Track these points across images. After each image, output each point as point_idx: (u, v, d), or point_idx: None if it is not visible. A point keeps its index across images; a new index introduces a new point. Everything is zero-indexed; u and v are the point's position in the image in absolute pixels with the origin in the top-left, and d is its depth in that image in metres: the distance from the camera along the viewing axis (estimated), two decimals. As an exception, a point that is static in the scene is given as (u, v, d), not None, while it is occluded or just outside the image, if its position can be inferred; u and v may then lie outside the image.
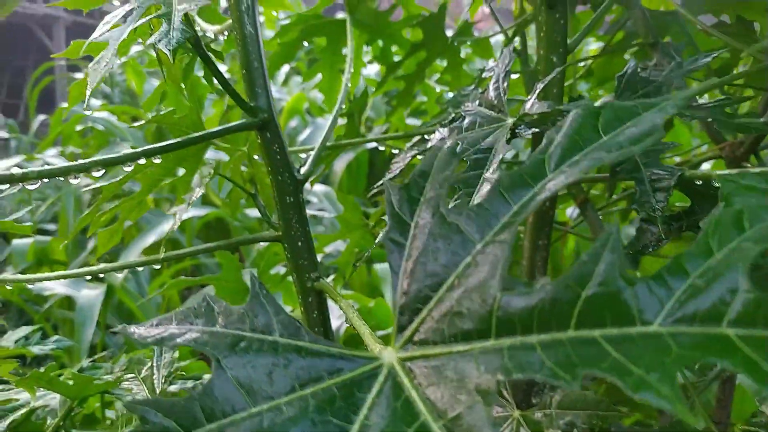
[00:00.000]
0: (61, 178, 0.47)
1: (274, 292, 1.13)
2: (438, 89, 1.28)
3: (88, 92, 0.41)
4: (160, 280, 1.83)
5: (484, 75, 0.69)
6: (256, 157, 0.69)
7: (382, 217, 1.03)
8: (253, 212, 2.09)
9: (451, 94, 1.07)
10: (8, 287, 0.69)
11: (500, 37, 0.96)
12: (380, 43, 1.01)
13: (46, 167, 0.41)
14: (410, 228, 0.28)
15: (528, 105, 0.50)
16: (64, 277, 0.65)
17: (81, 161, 0.44)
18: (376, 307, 1.25)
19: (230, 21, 0.64)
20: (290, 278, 1.17)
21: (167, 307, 1.98)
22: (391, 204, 0.29)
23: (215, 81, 0.59)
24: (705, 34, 0.81)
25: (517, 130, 0.51)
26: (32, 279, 0.72)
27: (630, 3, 0.76)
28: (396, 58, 0.97)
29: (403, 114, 1.16)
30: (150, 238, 1.79)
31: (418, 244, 0.27)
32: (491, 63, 0.79)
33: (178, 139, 0.50)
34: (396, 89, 1.01)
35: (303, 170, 0.66)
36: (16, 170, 0.37)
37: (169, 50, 0.40)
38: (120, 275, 1.66)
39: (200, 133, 0.53)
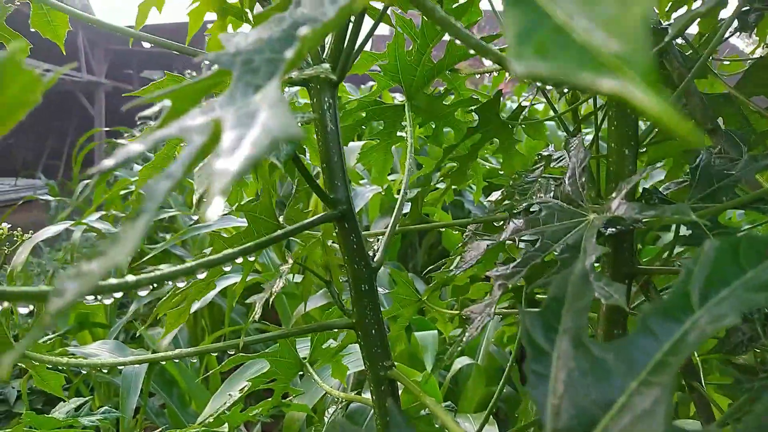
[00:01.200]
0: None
1: (323, 365, 1.12)
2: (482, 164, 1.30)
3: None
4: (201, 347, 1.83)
5: (553, 164, 0.70)
6: (329, 242, 0.70)
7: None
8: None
9: (501, 172, 1.09)
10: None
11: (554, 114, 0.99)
12: (432, 124, 1.04)
13: (155, 273, 0.42)
14: (551, 359, 0.28)
15: (615, 205, 0.51)
16: (146, 361, 0.66)
17: (186, 265, 0.46)
18: (426, 383, 1.23)
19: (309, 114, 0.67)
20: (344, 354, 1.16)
21: (206, 368, 1.97)
22: (528, 333, 0.30)
23: (297, 171, 0.62)
24: (759, 115, 0.82)
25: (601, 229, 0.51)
26: (103, 364, 0.74)
27: (689, 90, 0.78)
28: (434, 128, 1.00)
29: (452, 192, 1.18)
30: (194, 305, 1.80)
31: (562, 376, 0.27)
32: (551, 148, 0.81)
33: (271, 236, 0.52)
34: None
35: (376, 258, 0.67)
36: (130, 278, 0.38)
37: (280, 161, 0.42)
38: (165, 341, 1.67)
39: (288, 229, 0.54)
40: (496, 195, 1.21)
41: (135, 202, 2.90)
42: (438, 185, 1.17)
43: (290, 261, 0.62)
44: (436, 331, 1.48)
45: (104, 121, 8.22)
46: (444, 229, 2.15)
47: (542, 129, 0.98)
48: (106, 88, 9.03)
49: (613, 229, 0.52)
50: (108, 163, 0.26)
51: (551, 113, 1.18)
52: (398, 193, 1.99)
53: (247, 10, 0.73)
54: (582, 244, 0.52)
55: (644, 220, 0.50)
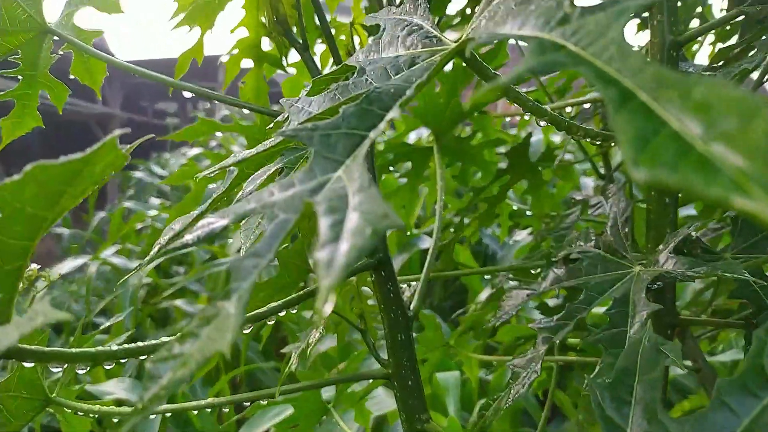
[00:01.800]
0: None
1: (347, 410, 1.10)
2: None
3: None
4: (217, 387, 1.81)
5: (591, 211, 0.70)
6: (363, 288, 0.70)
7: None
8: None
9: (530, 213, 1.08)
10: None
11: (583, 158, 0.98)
12: (459, 164, 1.04)
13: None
14: (629, 436, 0.27)
15: (663, 259, 0.50)
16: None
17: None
18: (450, 427, 1.21)
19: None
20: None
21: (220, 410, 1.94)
22: (601, 407, 0.29)
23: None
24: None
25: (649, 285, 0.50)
26: (132, 413, 0.72)
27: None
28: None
29: (477, 232, 1.18)
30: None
31: (644, 455, 0.26)
32: (587, 193, 0.80)
33: (301, 294, 0.51)
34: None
35: (412, 306, 0.66)
36: (132, 345, 0.38)
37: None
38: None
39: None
40: (522, 235, 1.20)
41: (152, 236, 2.91)
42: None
43: (327, 310, 0.61)
44: (458, 372, 1.46)
45: (98, 94, 8.28)
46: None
47: (573, 172, 0.98)
48: (120, 120, 9.17)
49: (660, 284, 0.51)
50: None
51: (567, 143, 1.17)
52: (416, 228, 1.97)
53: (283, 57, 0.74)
54: (630, 297, 0.51)
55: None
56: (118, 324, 2.40)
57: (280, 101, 0.37)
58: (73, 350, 0.42)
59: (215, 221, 0.26)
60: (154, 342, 0.44)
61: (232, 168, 0.38)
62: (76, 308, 2.78)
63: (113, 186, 6.03)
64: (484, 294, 0.95)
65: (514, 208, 1.10)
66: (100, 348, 0.44)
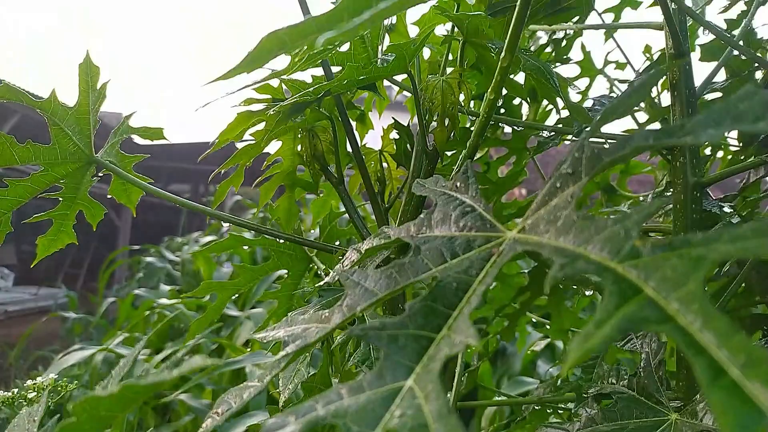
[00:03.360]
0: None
1: None
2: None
3: None
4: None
5: (618, 344, 0.69)
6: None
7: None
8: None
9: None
10: None
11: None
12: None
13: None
14: None
15: (701, 412, 0.49)
16: None
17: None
18: None
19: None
20: None
21: None
22: None
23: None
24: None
25: (692, 437, 0.49)
26: None
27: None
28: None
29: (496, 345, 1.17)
30: None
31: None
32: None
33: None
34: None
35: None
36: None
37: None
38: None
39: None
40: (540, 346, 1.18)
41: (159, 324, 2.88)
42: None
43: None
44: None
45: (129, 232, 8.42)
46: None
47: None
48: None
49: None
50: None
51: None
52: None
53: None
54: (670, 452, 0.50)
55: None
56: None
57: (334, 270, 0.38)
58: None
59: (282, 423, 0.26)
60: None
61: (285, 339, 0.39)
62: (77, 395, 2.72)
63: (122, 268, 6.05)
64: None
65: (533, 320, 1.09)
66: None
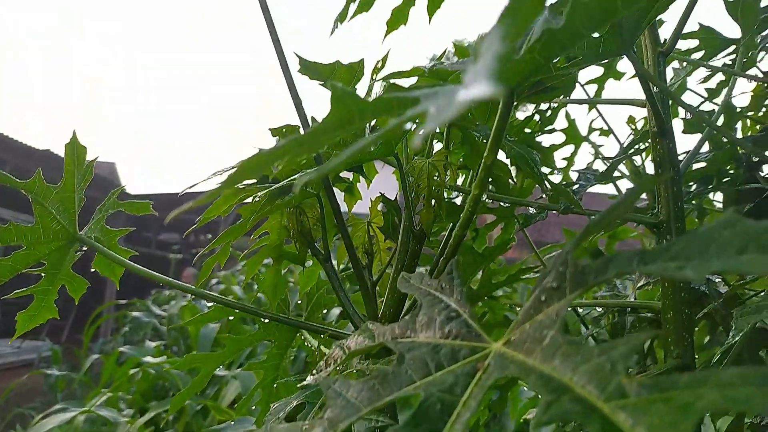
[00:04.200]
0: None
1: None
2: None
3: None
4: None
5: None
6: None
7: None
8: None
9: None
10: None
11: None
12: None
13: None
14: None
15: None
16: None
17: None
18: None
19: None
20: None
21: None
22: None
23: None
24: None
25: None
26: None
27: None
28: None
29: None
30: None
31: None
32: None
33: None
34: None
35: None
36: None
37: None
38: None
39: None
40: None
41: (143, 383, 2.81)
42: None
43: None
44: None
45: (117, 282, 8.28)
46: None
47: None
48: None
49: None
50: None
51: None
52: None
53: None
54: None
55: None
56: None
57: (313, 373, 0.37)
58: None
59: None
60: None
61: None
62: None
63: (107, 323, 5.95)
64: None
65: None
66: None
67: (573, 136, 1.05)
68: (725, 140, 0.85)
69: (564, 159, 1.08)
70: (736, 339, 0.60)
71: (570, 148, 1.07)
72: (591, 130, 1.06)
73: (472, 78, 0.18)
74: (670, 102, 0.83)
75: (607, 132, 1.09)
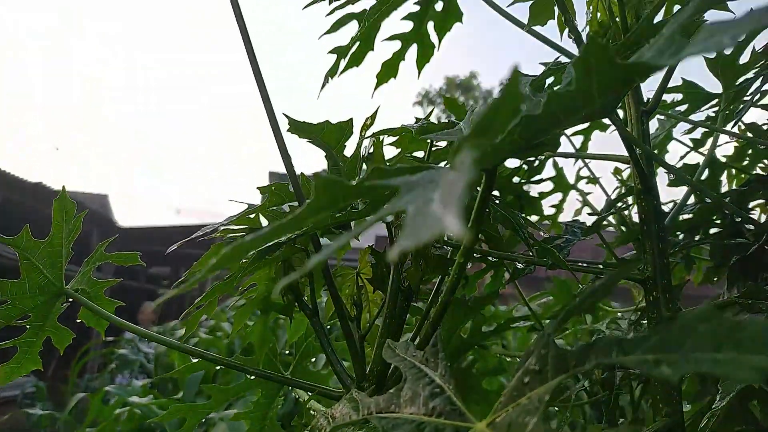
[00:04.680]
0: None
1: None
2: None
3: None
4: None
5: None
6: None
7: None
8: None
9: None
10: None
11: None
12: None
13: None
14: None
15: None
16: None
17: None
18: None
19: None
20: None
21: None
22: None
23: None
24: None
25: None
26: None
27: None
28: None
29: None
30: None
31: None
32: None
33: None
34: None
35: None
36: None
37: None
38: None
39: None
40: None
41: (129, 423, 2.75)
42: None
43: None
44: None
45: (102, 335, 8.16)
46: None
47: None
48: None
49: None
50: None
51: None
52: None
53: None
54: None
55: None
56: None
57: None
58: None
59: None
60: None
61: None
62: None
63: (94, 359, 5.84)
64: None
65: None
66: None
67: (561, 184, 1.06)
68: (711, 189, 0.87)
69: (552, 206, 1.09)
70: (723, 402, 0.60)
71: (558, 195, 1.08)
72: (579, 178, 1.08)
73: (440, 209, 0.18)
74: (659, 142, 0.84)
75: (594, 180, 1.10)
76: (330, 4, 0.77)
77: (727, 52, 0.88)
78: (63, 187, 0.60)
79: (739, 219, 0.70)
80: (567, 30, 0.80)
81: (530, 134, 0.32)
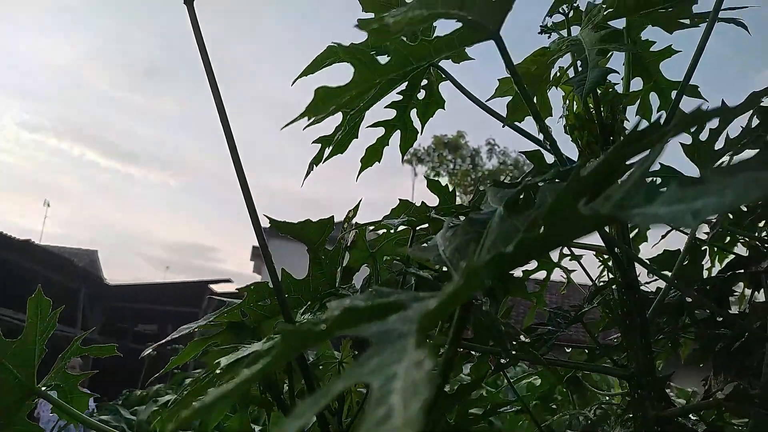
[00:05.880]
0: None
1: None
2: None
3: None
4: None
5: None
6: None
7: None
8: None
9: None
10: None
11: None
12: None
13: None
14: None
15: None
16: None
17: None
18: None
19: None
20: None
21: None
22: None
23: None
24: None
25: None
26: None
27: None
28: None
29: None
30: None
31: None
32: None
33: None
34: None
35: None
36: None
37: None
38: None
39: None
40: None
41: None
42: None
43: None
44: None
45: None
46: None
47: None
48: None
49: None
50: None
51: None
52: None
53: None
54: None
55: None
56: None
57: None
58: None
59: None
60: None
61: None
62: None
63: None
64: None
65: None
66: None
67: (545, 262, 1.06)
68: (693, 276, 0.87)
69: (537, 284, 1.09)
70: None
71: (542, 273, 1.08)
72: (562, 256, 1.08)
73: (400, 406, 0.18)
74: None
75: (578, 257, 1.10)
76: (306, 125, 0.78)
77: (703, 138, 0.90)
78: (39, 287, 0.60)
79: (719, 317, 0.70)
80: (547, 119, 0.82)
81: (501, 270, 0.32)
